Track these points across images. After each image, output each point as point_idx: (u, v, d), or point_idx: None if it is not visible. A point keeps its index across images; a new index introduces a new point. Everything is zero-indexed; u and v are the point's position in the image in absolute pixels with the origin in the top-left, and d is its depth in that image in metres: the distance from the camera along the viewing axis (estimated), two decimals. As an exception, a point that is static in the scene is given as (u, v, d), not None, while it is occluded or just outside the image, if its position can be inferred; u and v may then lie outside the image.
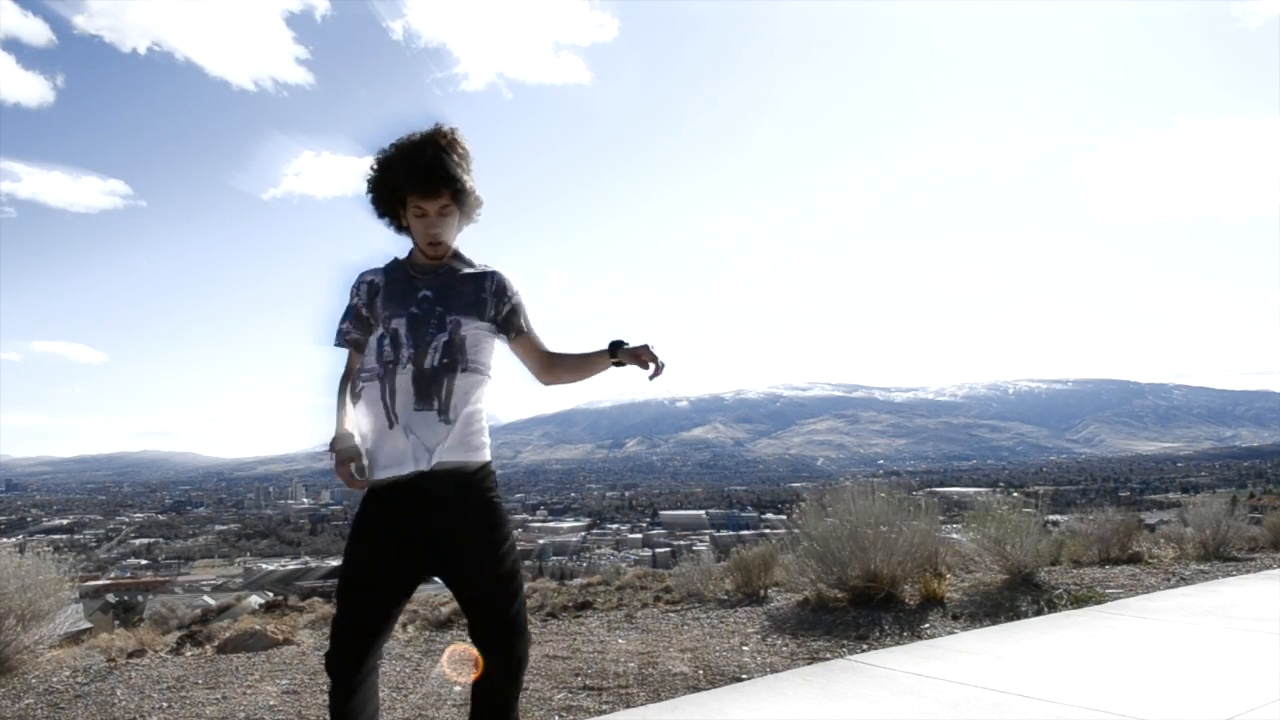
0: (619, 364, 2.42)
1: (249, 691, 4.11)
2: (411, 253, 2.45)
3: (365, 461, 2.28)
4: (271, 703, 3.91)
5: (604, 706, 3.71)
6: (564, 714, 3.62)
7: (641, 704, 3.72)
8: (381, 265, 2.46)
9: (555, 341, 2.52)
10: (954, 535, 7.58)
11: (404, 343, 2.28)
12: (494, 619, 2.22)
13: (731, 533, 52.98)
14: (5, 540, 5.39)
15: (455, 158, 2.30)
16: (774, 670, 4.20)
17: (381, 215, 2.42)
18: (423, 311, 2.31)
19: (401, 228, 2.43)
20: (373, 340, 2.35)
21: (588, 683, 4.08)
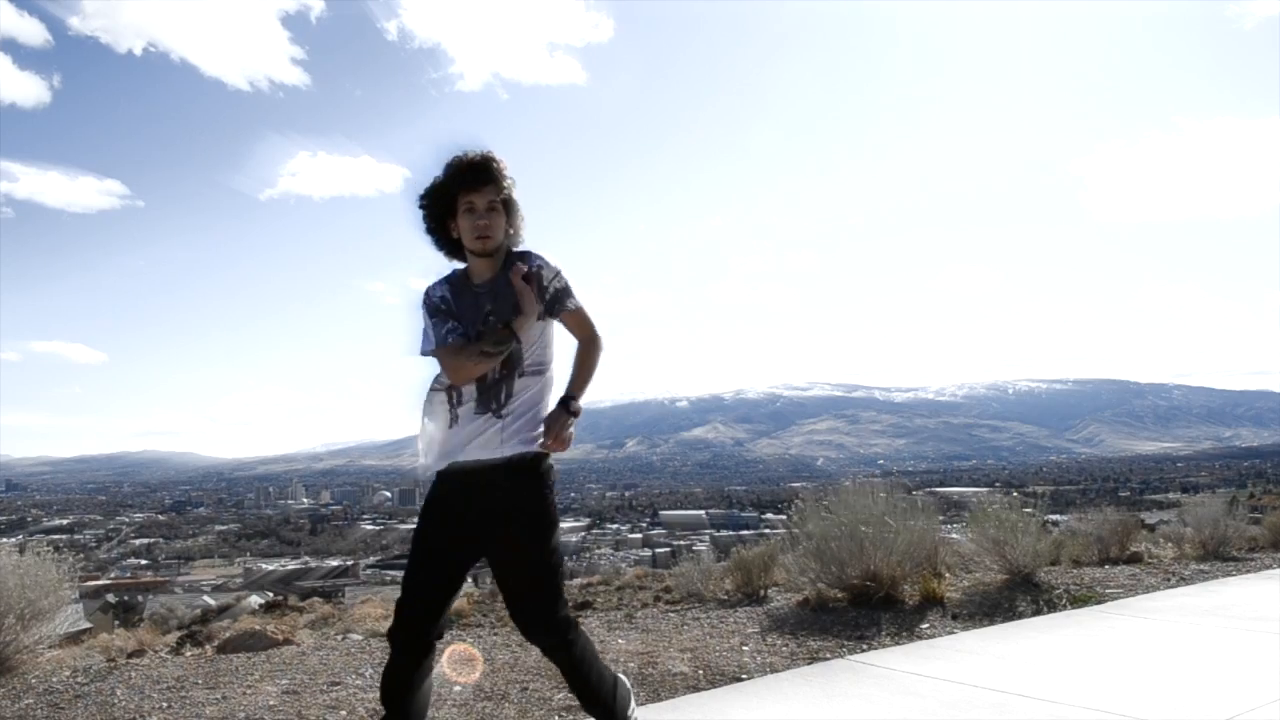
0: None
1: (249, 691, 4.11)
2: (467, 267, 2.69)
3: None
4: (271, 703, 3.91)
5: (604, 706, 3.71)
6: (564, 714, 3.62)
7: (642, 704, 3.72)
8: (444, 279, 2.71)
9: (580, 322, 2.69)
10: (953, 535, 7.58)
11: None
12: (526, 597, 2.55)
13: (731, 533, 52.98)
14: (5, 540, 5.39)
15: (500, 167, 2.59)
16: (774, 670, 4.20)
17: (430, 231, 2.67)
18: (487, 329, 2.57)
19: (447, 243, 2.68)
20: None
21: (587, 683, 4.07)
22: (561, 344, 2.73)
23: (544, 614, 2.54)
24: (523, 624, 2.56)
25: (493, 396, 2.55)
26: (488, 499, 2.53)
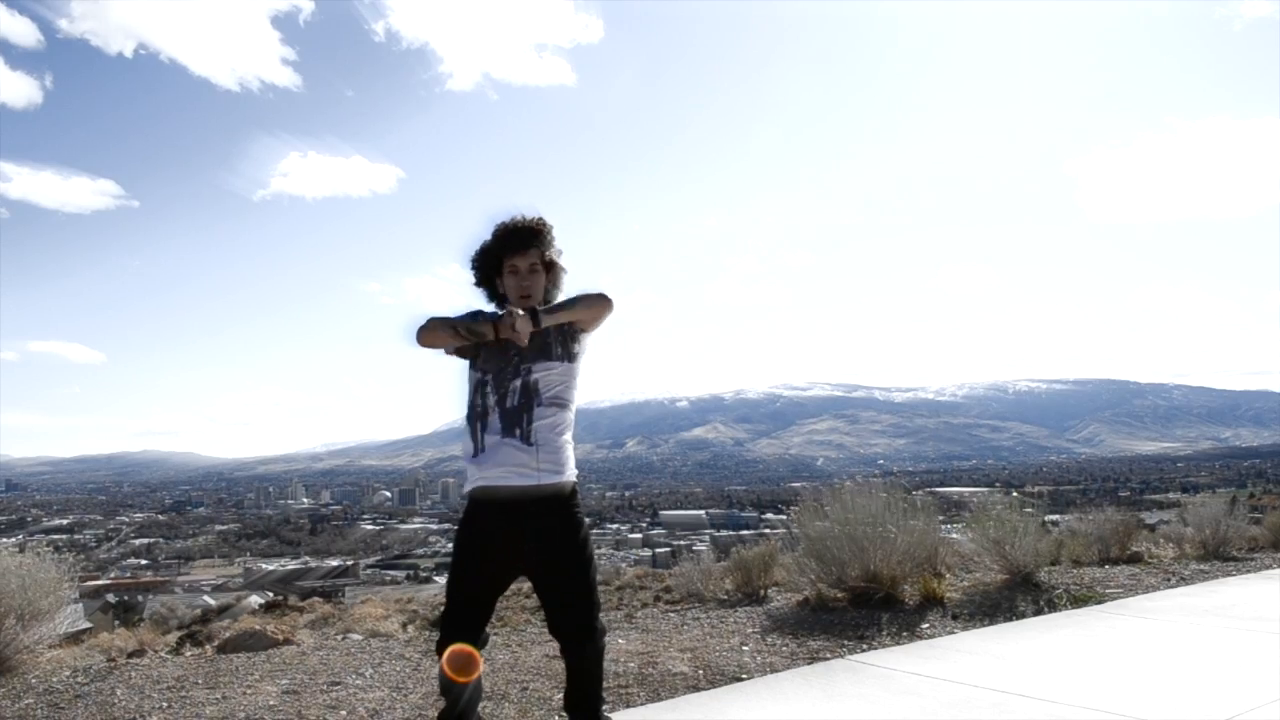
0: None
1: (249, 691, 4.11)
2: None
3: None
4: (271, 703, 3.91)
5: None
6: (564, 714, 3.62)
7: (641, 704, 3.72)
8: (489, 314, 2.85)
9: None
10: (954, 535, 7.58)
11: (490, 391, 2.81)
12: (575, 606, 2.77)
13: (731, 533, 52.97)
14: (5, 540, 5.40)
15: (543, 231, 2.86)
16: (774, 670, 4.20)
17: (479, 284, 2.94)
18: (505, 361, 2.82)
19: (494, 297, 2.93)
20: (471, 383, 2.85)
21: (588, 683, 4.07)
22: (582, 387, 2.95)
23: (585, 624, 2.78)
24: (564, 635, 2.79)
25: (515, 423, 2.76)
26: (527, 524, 2.73)
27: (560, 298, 2.93)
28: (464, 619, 2.78)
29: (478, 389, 2.83)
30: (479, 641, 2.81)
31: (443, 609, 2.86)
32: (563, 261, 2.94)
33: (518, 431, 2.75)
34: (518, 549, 2.76)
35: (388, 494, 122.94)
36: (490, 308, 2.92)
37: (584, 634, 2.79)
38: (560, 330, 2.83)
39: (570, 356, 2.84)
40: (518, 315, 2.66)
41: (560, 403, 2.82)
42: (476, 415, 2.82)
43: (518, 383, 2.79)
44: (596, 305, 2.83)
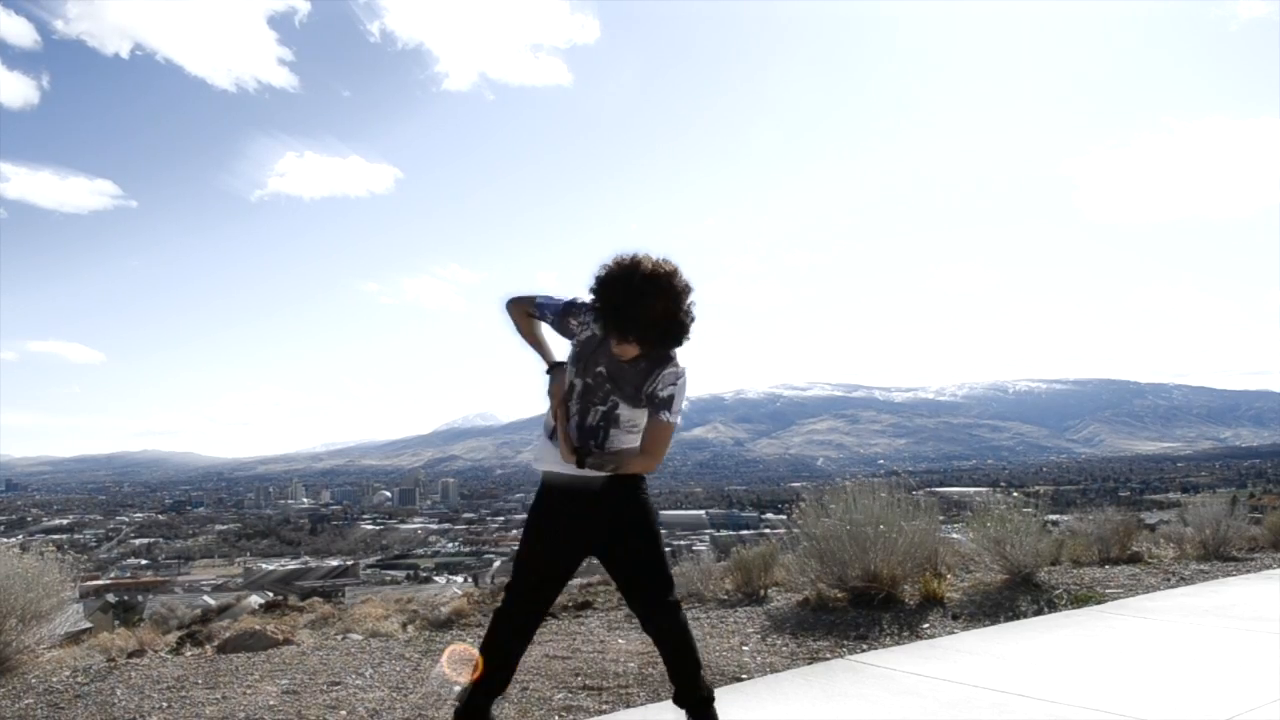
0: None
1: (249, 691, 4.11)
2: None
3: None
4: (271, 703, 3.91)
5: (604, 706, 3.71)
6: (564, 714, 3.63)
7: (641, 704, 3.73)
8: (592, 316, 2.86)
9: (655, 437, 2.88)
10: (954, 535, 7.58)
11: (575, 399, 2.92)
12: (659, 577, 2.90)
13: (731, 533, 52.92)
14: (5, 540, 5.40)
15: (657, 305, 2.68)
16: (774, 670, 4.21)
17: (592, 309, 2.82)
18: (595, 383, 2.90)
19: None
20: (568, 374, 2.95)
21: (588, 683, 4.08)
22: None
23: (661, 598, 2.88)
24: (652, 607, 2.89)
25: (591, 437, 2.90)
26: (599, 507, 2.88)
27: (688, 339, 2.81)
28: (529, 597, 2.92)
29: (569, 391, 2.94)
30: (537, 620, 2.96)
31: (508, 584, 2.97)
32: (683, 313, 2.75)
33: (591, 444, 2.90)
34: (585, 530, 2.90)
35: (388, 494, 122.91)
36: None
37: (672, 603, 2.90)
38: (652, 395, 2.84)
39: (650, 407, 2.87)
40: (567, 444, 2.81)
41: (634, 430, 2.93)
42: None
43: (602, 409, 2.90)
44: (646, 468, 2.88)
